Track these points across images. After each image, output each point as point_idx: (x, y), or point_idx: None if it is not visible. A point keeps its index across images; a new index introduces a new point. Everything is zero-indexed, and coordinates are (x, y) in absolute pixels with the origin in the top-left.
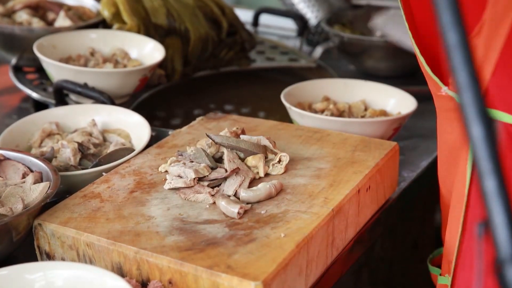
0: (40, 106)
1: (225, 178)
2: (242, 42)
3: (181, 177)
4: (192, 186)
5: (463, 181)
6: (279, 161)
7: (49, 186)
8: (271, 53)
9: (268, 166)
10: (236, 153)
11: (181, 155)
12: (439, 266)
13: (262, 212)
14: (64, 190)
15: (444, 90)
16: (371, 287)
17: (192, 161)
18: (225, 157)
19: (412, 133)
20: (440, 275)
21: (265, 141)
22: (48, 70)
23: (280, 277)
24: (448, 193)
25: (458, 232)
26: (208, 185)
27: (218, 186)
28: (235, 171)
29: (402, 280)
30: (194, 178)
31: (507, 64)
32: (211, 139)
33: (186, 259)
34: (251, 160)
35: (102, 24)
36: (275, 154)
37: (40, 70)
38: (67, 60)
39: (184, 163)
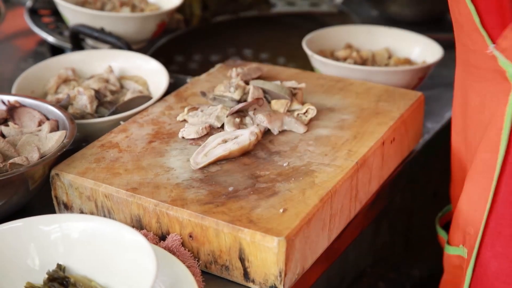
0: (56, 50)
1: (246, 111)
2: None
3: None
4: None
5: (494, 151)
6: (305, 112)
7: (66, 135)
8: None
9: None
10: (264, 92)
11: (205, 94)
12: (447, 226)
13: (284, 165)
14: (81, 138)
15: (492, 48)
16: (390, 237)
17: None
18: (250, 93)
19: (436, 82)
20: (448, 243)
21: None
22: (64, 13)
23: (303, 232)
24: (462, 154)
25: (485, 206)
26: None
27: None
28: (258, 102)
29: (421, 230)
30: (205, 126)
31: None
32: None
33: (207, 213)
34: (273, 104)
35: None
36: (302, 103)
37: (56, 13)
38: (83, 3)
39: (202, 110)
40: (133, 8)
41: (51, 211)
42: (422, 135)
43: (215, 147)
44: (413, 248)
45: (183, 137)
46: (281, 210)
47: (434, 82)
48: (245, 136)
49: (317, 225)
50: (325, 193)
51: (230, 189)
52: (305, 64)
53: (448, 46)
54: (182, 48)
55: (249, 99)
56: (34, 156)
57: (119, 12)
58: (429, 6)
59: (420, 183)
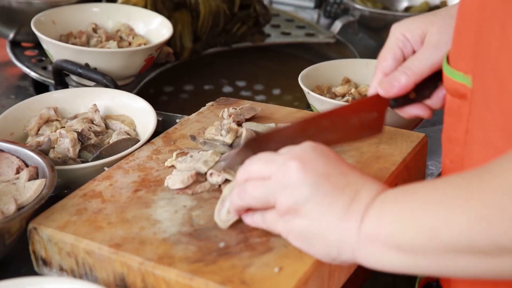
0: (39, 84)
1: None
2: (256, 16)
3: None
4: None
5: None
6: None
7: (45, 184)
8: (286, 27)
9: None
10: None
11: (195, 138)
12: None
13: None
14: (63, 184)
15: None
16: (392, 278)
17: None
18: (243, 137)
19: (439, 119)
20: None
21: None
22: (47, 48)
23: None
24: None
25: None
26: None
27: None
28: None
29: None
30: (191, 175)
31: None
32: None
33: (196, 273)
34: None
35: None
36: None
37: (39, 45)
38: (68, 36)
39: (192, 155)
40: (120, 41)
41: (29, 265)
42: (425, 178)
43: None
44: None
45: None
46: (276, 269)
47: (436, 119)
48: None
49: (315, 284)
50: None
51: (221, 245)
52: (302, 96)
53: None
54: (173, 79)
55: (243, 142)
56: (11, 208)
57: (104, 48)
58: None
59: None
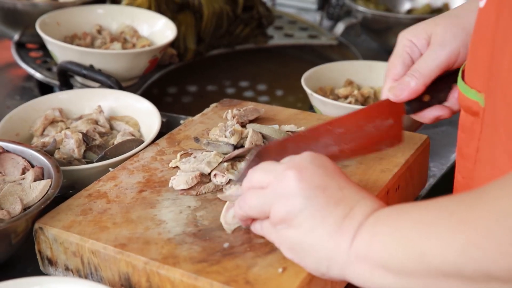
0: (44, 85)
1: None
2: (259, 18)
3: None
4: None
5: None
6: None
7: (51, 185)
8: (289, 28)
9: None
10: (263, 136)
11: (198, 140)
12: None
13: None
14: (68, 184)
15: None
16: None
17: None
18: (249, 137)
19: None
20: None
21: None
22: (52, 50)
23: None
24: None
25: None
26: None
27: None
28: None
29: None
30: (195, 176)
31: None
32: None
33: (200, 273)
34: None
35: None
36: None
37: (44, 47)
38: (72, 38)
39: (195, 156)
40: (125, 42)
41: (35, 265)
42: (427, 180)
43: None
44: None
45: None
46: (280, 270)
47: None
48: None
49: (318, 285)
50: None
51: (225, 245)
52: (304, 97)
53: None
54: (177, 80)
55: (247, 143)
56: (17, 208)
57: (109, 49)
58: None
59: None
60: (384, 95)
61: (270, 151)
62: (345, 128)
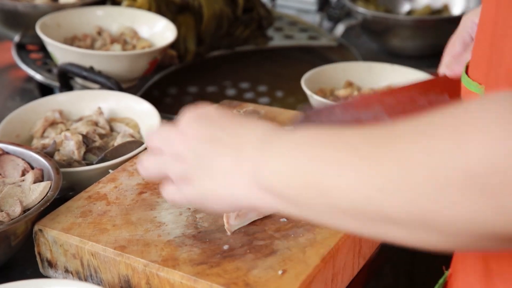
0: (44, 87)
1: None
2: (259, 19)
3: None
4: None
5: None
6: None
7: (50, 187)
8: (289, 30)
9: None
10: None
11: None
12: None
13: (282, 220)
14: (68, 186)
15: None
16: (394, 278)
17: None
18: None
19: None
20: None
21: None
22: (52, 51)
23: None
24: None
25: None
26: None
27: None
28: None
29: (425, 268)
30: None
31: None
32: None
33: (200, 275)
34: None
35: (110, 0)
36: None
37: (44, 48)
38: (73, 40)
39: None
40: (125, 44)
41: (35, 267)
42: None
43: None
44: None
45: None
46: (280, 272)
47: None
48: None
49: (318, 287)
50: (327, 251)
51: (225, 247)
52: (304, 98)
53: None
54: (177, 82)
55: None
56: (16, 210)
57: (109, 50)
58: (430, 41)
59: None
60: (442, 70)
61: (319, 113)
62: (397, 100)
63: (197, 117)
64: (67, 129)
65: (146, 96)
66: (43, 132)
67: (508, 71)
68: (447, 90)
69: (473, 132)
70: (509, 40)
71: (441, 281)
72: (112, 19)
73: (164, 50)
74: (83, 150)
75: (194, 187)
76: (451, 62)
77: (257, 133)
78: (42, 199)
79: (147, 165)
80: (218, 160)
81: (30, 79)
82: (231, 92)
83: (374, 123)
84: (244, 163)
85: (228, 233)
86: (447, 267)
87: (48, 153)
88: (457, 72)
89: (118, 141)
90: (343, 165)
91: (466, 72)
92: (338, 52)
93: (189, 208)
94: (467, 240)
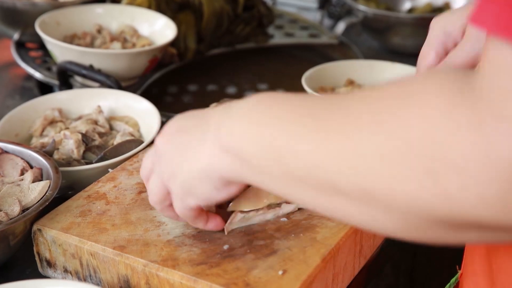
0: (43, 85)
1: None
2: (260, 17)
3: None
4: None
5: None
6: None
7: (49, 186)
8: (290, 28)
9: None
10: None
11: None
12: None
13: (283, 220)
14: (67, 185)
15: None
16: (395, 278)
17: None
18: None
19: None
20: None
21: None
22: (52, 49)
23: None
24: None
25: None
26: None
27: None
28: None
29: (426, 268)
30: None
31: None
32: None
33: (200, 275)
34: None
35: None
36: None
37: (43, 46)
38: (72, 38)
39: None
40: (124, 42)
41: (34, 267)
42: None
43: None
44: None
45: None
46: (280, 272)
47: None
48: (292, 206)
49: (318, 287)
50: (328, 251)
51: (225, 247)
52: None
53: None
54: (177, 80)
55: None
56: (15, 210)
57: (108, 49)
58: None
59: None
60: None
61: None
62: None
63: (163, 134)
64: (67, 128)
65: (146, 94)
66: (42, 130)
67: None
68: None
69: (416, 106)
70: None
71: (453, 280)
72: (112, 17)
73: (164, 48)
74: (82, 149)
75: (176, 178)
76: None
77: (220, 108)
78: (41, 198)
79: (151, 188)
80: (188, 145)
81: (29, 77)
82: (231, 90)
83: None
84: (208, 132)
85: (225, 232)
86: (460, 267)
87: (47, 152)
88: None
89: (118, 139)
90: (299, 132)
91: None
92: (339, 50)
93: None
94: (415, 223)
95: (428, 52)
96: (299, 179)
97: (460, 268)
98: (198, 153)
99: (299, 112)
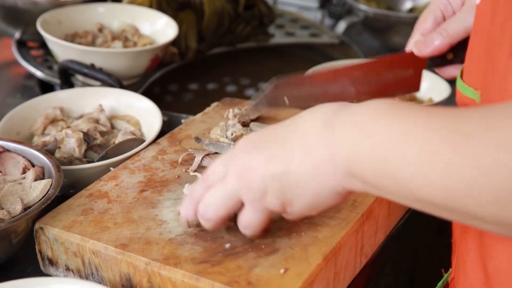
0: (45, 84)
1: None
2: (261, 16)
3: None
4: None
5: None
6: None
7: (51, 184)
8: (291, 27)
9: None
10: None
11: (200, 140)
12: None
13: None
14: (69, 184)
15: None
16: (395, 277)
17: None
18: None
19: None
20: None
21: None
22: (53, 48)
23: None
24: None
25: None
26: None
27: None
28: None
29: (426, 267)
30: None
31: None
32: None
33: (202, 273)
34: None
35: None
36: None
37: (45, 45)
38: (73, 36)
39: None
40: (126, 41)
41: (36, 265)
42: None
43: None
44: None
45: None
46: (282, 270)
47: None
48: None
49: (320, 285)
50: (329, 250)
51: (227, 245)
52: None
53: (454, 81)
54: (178, 79)
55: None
56: (17, 208)
57: (110, 48)
58: None
59: (424, 219)
60: (409, 47)
61: (289, 84)
62: (364, 73)
63: (251, 136)
64: (68, 127)
65: (147, 93)
66: (44, 129)
67: (500, 78)
68: (413, 67)
69: None
70: (502, 49)
71: (439, 284)
72: (113, 16)
73: (165, 47)
74: (84, 147)
75: (293, 205)
76: (419, 41)
77: (315, 122)
78: (43, 197)
79: (213, 201)
80: (290, 151)
81: (30, 76)
82: (232, 89)
83: (341, 95)
84: (322, 145)
85: (225, 230)
86: (446, 270)
87: (49, 151)
88: (424, 54)
89: (119, 138)
90: (429, 160)
91: (461, 76)
92: (340, 50)
93: None
94: None
95: (426, 17)
96: (430, 204)
97: (446, 272)
98: (315, 170)
99: (423, 135)
